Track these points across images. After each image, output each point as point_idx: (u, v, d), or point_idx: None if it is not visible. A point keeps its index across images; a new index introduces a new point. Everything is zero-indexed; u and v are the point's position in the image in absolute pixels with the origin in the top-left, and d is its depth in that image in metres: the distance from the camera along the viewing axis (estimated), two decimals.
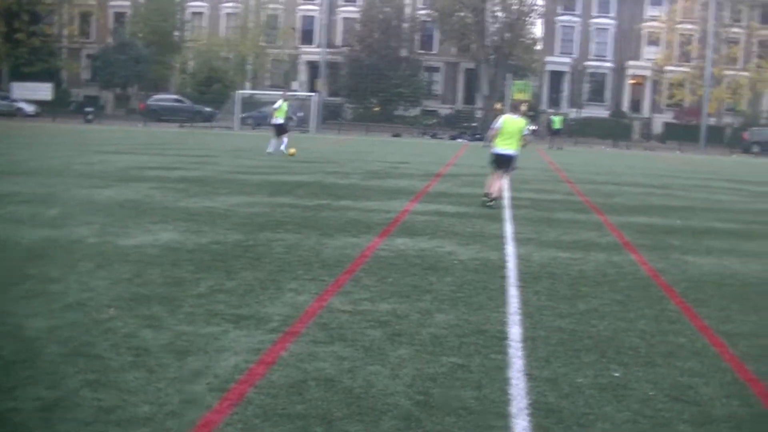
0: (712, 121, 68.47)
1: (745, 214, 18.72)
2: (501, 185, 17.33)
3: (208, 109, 64.81)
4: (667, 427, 5.56)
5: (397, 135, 58.20)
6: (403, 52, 76.57)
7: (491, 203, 16.59)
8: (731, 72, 73.92)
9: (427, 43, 79.78)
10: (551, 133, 54.92)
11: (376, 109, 72.76)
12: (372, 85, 69.68)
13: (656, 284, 10.19)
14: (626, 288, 9.81)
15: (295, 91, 71.18)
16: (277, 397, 5.65)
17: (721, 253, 12.68)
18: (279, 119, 31.63)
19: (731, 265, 11.76)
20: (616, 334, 7.72)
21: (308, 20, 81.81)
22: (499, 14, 71.97)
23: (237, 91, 63.04)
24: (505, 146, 17.05)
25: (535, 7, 74.43)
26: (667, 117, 75.63)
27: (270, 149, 31.05)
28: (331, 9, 74.32)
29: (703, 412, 5.86)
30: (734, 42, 76.47)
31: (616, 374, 6.56)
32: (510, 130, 16.96)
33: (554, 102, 76.69)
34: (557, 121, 54.97)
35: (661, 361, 6.99)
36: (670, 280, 10.45)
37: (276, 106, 32.09)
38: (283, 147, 30.65)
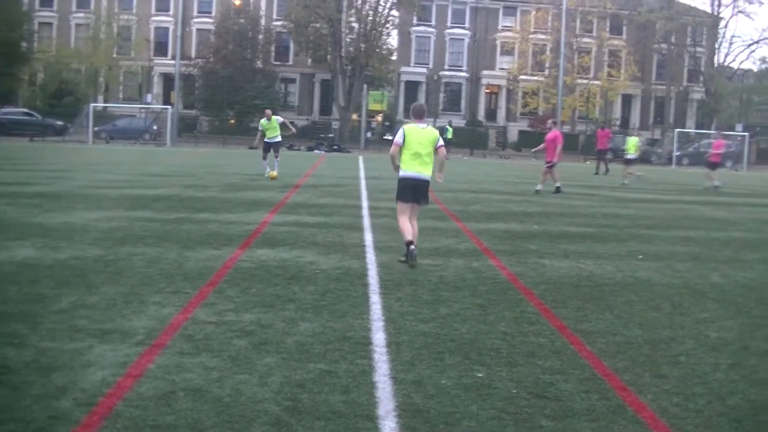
0: (566, 128, 70.22)
1: (598, 218, 19.32)
2: (414, 229, 12.14)
3: (59, 122, 63.09)
4: (530, 423, 5.79)
5: (253, 147, 57.77)
6: (259, 64, 76.25)
7: (409, 258, 11.69)
8: (583, 81, 75.95)
9: (282, 54, 79.66)
10: (446, 143, 55.69)
11: (232, 121, 72.27)
12: (227, 97, 69.08)
13: (515, 288, 10.51)
14: (486, 292, 10.09)
15: (149, 104, 70.23)
16: (146, 409, 5.67)
17: (576, 256, 13.11)
18: (273, 138, 28.64)
19: (587, 267, 12.19)
20: (478, 337, 7.95)
21: (162, 32, 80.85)
22: (355, 25, 72.41)
23: (90, 104, 61.66)
24: (415, 167, 12.10)
25: (391, 18, 75.10)
26: (522, 125, 77.28)
27: (276, 170, 27.75)
28: (185, 20, 73.36)
29: (563, 407, 6.13)
30: (586, 51, 78.60)
31: (480, 374, 6.78)
32: (417, 144, 12.07)
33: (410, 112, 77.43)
34: (450, 132, 55.58)
35: (522, 360, 7.25)
36: (528, 283, 10.79)
37: (260, 127, 28.78)
38: (276, 169, 27.81)
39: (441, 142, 12.32)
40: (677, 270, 12.47)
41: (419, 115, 12.42)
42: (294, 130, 31.71)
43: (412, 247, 11.63)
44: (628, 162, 34.78)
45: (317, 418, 5.63)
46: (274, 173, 26.69)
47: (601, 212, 20.90)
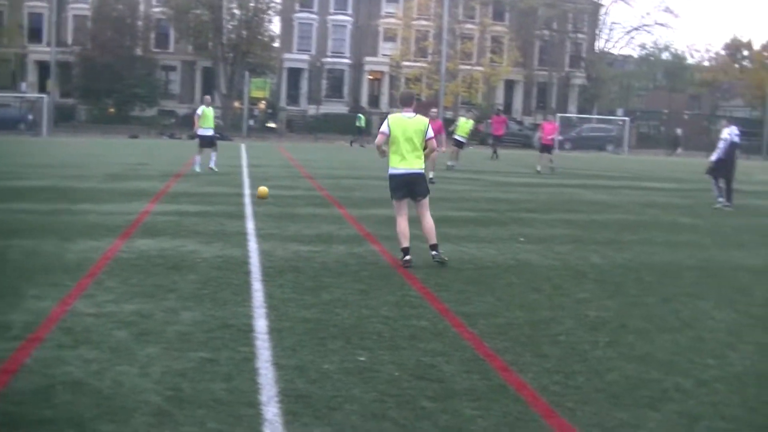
0: (449, 114, 70.70)
1: (480, 202, 19.57)
2: (432, 223, 11.41)
3: None
4: (412, 404, 5.83)
5: (134, 136, 56.87)
6: (139, 51, 74.91)
7: (408, 261, 10.96)
8: (466, 66, 76.54)
9: (162, 41, 78.33)
10: (357, 132, 55.58)
11: (112, 110, 70.97)
12: (106, 85, 67.74)
13: (397, 272, 10.56)
14: (368, 277, 10.14)
15: (23, 92, 68.44)
16: (23, 404, 5.54)
17: (459, 240, 13.23)
18: (208, 129, 26.39)
19: (468, 250, 12.33)
20: (360, 321, 7.98)
21: (36, 17, 78.54)
22: (236, 12, 71.74)
23: None
24: (404, 162, 11.22)
25: (272, 5, 74.56)
26: None
27: (211, 164, 26.08)
28: (61, 6, 71.51)
29: (445, 388, 6.19)
30: (469, 38, 79.22)
31: (362, 358, 6.80)
32: (405, 135, 11.15)
33: (293, 99, 77.17)
34: (362, 120, 55.48)
35: (404, 343, 7.30)
36: (410, 267, 10.83)
37: (199, 112, 26.52)
38: (212, 163, 26.06)
39: (431, 132, 11.36)
40: (558, 252, 12.70)
41: (407, 103, 11.45)
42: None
43: (406, 258, 10.90)
44: (459, 144, 32.91)
45: (199, 407, 5.58)
46: (263, 189, 18.23)
47: (484, 197, 21.16)
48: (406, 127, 11.18)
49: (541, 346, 7.42)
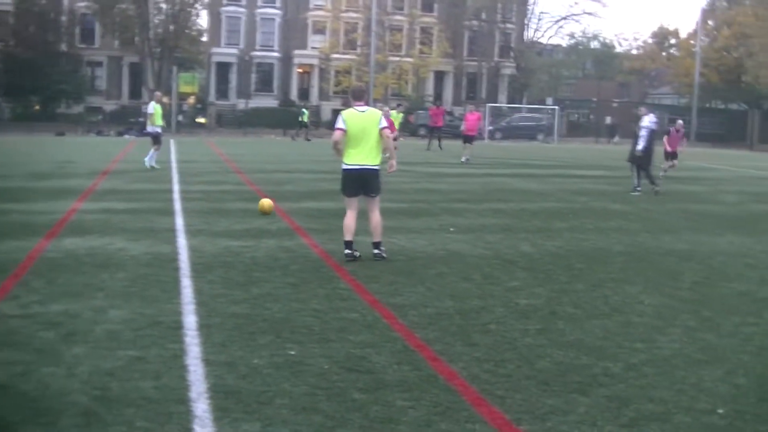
0: (379, 106, 70.66)
1: (411, 193, 19.60)
2: (379, 220, 11.18)
3: None
4: (342, 397, 5.82)
5: (61, 134, 55.92)
6: (63, 47, 73.78)
7: (354, 254, 10.90)
8: (396, 58, 76.56)
9: (88, 36, 77.07)
10: (300, 125, 54.99)
11: (37, 107, 69.79)
12: (30, 82, 66.55)
13: (327, 265, 10.55)
14: (298, 271, 10.10)
15: None
16: None
17: (389, 232, 13.14)
18: (158, 127, 26.20)
19: (399, 242, 12.34)
20: (290, 315, 7.95)
21: None
22: (163, 6, 70.97)
23: None
24: (357, 157, 10.96)
25: None
26: (336, 104, 77.29)
27: (152, 163, 25.48)
28: None
29: (375, 379, 6.20)
30: (398, 29, 79.22)
31: (292, 352, 6.78)
32: (358, 130, 10.88)
33: (222, 94, 76.59)
34: (305, 115, 54.97)
35: (334, 336, 7.28)
36: (340, 260, 10.82)
37: (150, 110, 26.42)
38: (150, 158, 25.65)
39: (384, 123, 11.02)
40: (488, 241, 12.77)
41: (358, 97, 11.26)
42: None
43: (347, 251, 10.85)
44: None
45: (127, 406, 5.51)
46: (267, 202, 15.63)
47: (414, 188, 21.19)
48: (359, 121, 10.91)
49: (472, 335, 7.46)
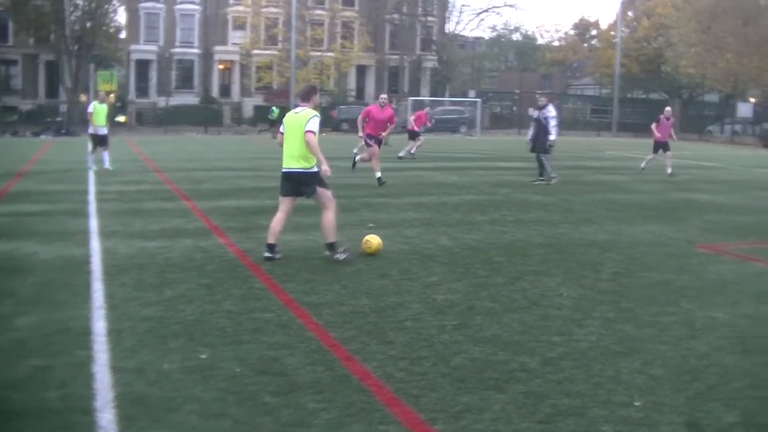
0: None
1: (336, 189, 19.36)
2: (327, 221, 10.80)
3: None
4: (253, 400, 5.71)
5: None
6: None
7: (273, 257, 10.64)
8: (317, 53, 76.26)
9: (1, 34, 75.68)
10: (270, 123, 54.17)
11: None
12: None
13: (243, 265, 10.38)
14: (213, 271, 9.92)
15: None
16: None
17: (308, 229, 13.05)
18: (102, 128, 24.65)
19: (317, 239, 12.10)
20: (203, 317, 7.79)
21: None
22: (79, 2, 69.78)
23: None
24: (285, 159, 10.74)
25: None
26: (257, 100, 76.80)
27: (107, 165, 24.62)
28: None
29: (288, 382, 6.08)
30: (318, 24, 78.96)
31: (203, 356, 6.63)
32: (288, 131, 10.70)
33: (142, 91, 75.68)
34: (275, 113, 54.21)
35: (247, 337, 7.15)
36: (257, 259, 10.67)
37: (90, 109, 24.90)
38: (106, 163, 24.72)
39: (309, 126, 10.38)
40: (407, 236, 12.70)
41: (303, 98, 10.85)
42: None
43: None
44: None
45: (28, 417, 5.33)
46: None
47: (335, 183, 20.93)
48: (290, 123, 10.69)
49: (387, 333, 7.37)
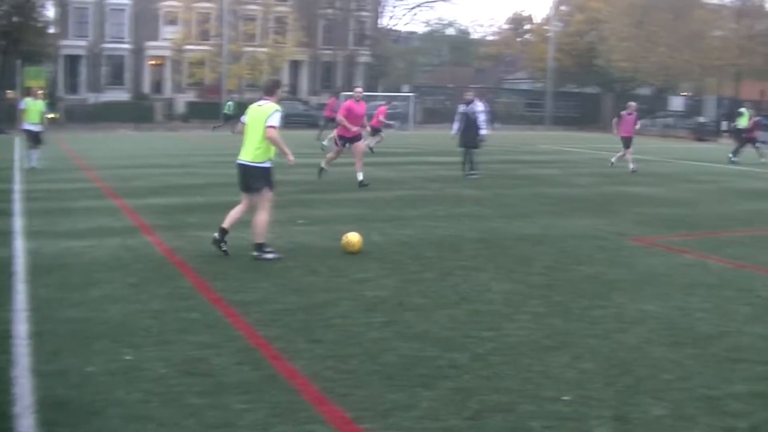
0: (235, 97, 69.82)
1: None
2: (261, 221, 10.73)
3: None
4: (178, 402, 5.63)
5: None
6: None
7: (220, 244, 10.71)
8: (250, 48, 75.72)
9: None
10: (225, 119, 53.14)
11: None
12: None
13: (171, 263, 10.25)
14: (140, 270, 9.78)
15: None
16: None
17: (238, 226, 12.80)
18: (35, 125, 24.10)
19: (246, 236, 11.83)
20: (129, 317, 7.66)
21: None
22: None
23: None
24: (241, 151, 10.80)
25: None
26: (190, 96, 76.09)
27: (33, 163, 23.73)
28: None
29: (214, 383, 6.00)
30: (251, 19, 78.39)
31: (128, 357, 6.52)
32: (249, 124, 10.77)
33: (72, 88, 74.65)
34: (231, 107, 53.23)
35: (174, 338, 7.04)
36: (185, 257, 10.57)
37: (22, 106, 24.49)
38: (34, 160, 23.88)
39: (271, 120, 10.42)
40: (338, 232, 12.54)
41: (267, 92, 10.88)
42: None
43: (217, 241, 10.63)
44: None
45: None
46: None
47: (281, 180, 20.84)
48: (252, 115, 10.70)
49: (315, 330, 7.31)
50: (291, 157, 10.76)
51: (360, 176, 19.54)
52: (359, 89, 20.63)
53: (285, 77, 79.44)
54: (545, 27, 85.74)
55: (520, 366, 6.49)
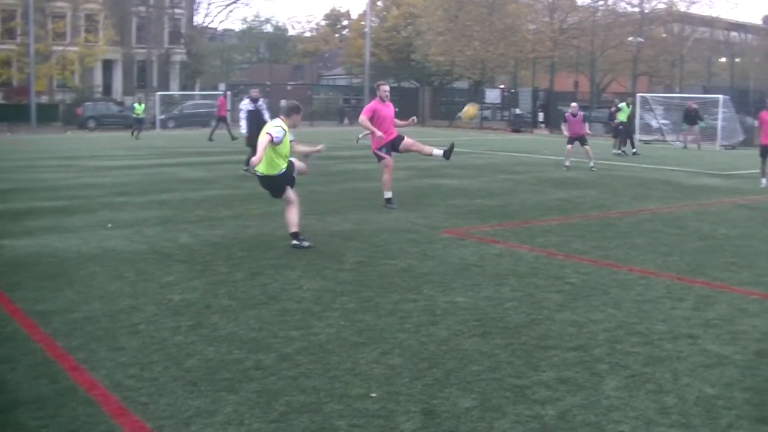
0: (45, 99, 67.68)
1: (70, 190, 18.73)
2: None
3: None
4: None
5: None
6: None
7: (304, 243, 11.44)
8: (60, 47, 73.59)
9: None
10: (138, 121, 50.01)
11: None
12: None
13: None
14: None
15: None
16: None
17: (41, 232, 12.53)
18: None
19: (50, 243, 11.68)
20: None
21: None
22: None
23: None
24: (261, 165, 11.33)
25: None
26: None
27: None
28: None
29: (8, 400, 5.72)
30: (60, 16, 76.16)
31: None
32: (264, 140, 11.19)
33: None
34: (140, 109, 50.29)
35: None
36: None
37: None
38: None
39: (268, 128, 11.24)
40: (146, 235, 12.37)
41: (284, 114, 11.58)
42: None
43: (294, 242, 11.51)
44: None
45: None
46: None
47: (75, 183, 20.33)
48: (266, 131, 11.25)
49: (119, 338, 7.10)
50: (254, 161, 10.96)
51: (437, 151, 16.35)
52: (386, 88, 16.33)
53: (98, 77, 77.67)
54: (362, 22, 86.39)
55: (328, 364, 6.45)
